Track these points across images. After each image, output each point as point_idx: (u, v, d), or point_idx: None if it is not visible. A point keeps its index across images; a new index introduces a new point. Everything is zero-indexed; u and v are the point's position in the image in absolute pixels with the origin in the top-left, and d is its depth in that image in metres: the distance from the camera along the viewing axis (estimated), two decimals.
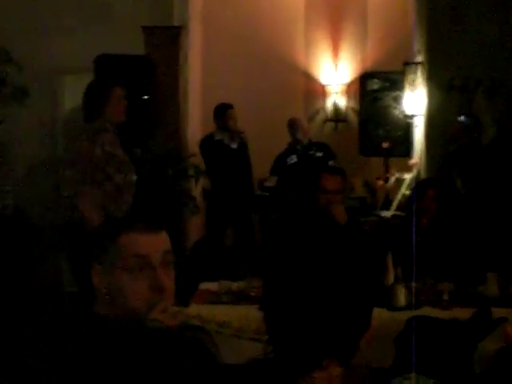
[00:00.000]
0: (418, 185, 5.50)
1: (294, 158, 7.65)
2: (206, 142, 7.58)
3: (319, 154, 7.60)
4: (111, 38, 7.66)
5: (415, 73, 7.33)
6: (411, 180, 7.15)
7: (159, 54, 7.50)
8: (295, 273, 1.62)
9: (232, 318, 3.93)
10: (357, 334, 1.62)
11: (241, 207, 7.49)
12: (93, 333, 1.95)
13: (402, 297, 4.08)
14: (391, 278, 4.23)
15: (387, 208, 7.33)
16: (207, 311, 3.96)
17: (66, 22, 7.95)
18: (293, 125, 7.83)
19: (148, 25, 7.65)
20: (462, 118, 6.50)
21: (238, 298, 4.22)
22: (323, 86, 9.89)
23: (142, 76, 7.11)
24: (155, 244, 2.08)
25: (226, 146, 7.51)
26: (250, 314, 3.86)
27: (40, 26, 7.92)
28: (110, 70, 6.84)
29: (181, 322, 2.05)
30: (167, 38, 7.71)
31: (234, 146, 7.58)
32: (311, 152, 7.62)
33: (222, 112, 7.60)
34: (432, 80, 7.07)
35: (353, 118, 9.50)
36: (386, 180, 7.74)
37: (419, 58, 7.39)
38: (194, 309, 3.97)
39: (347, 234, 4.15)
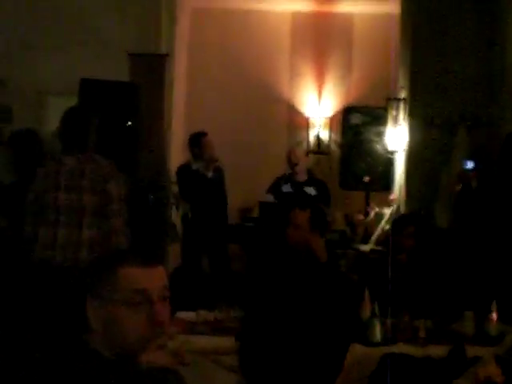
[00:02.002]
0: (396, 220, 5.50)
1: (288, 188, 7.57)
2: (183, 172, 7.57)
3: (314, 193, 7.51)
4: (97, 61, 7.70)
5: (397, 109, 7.40)
6: (391, 215, 7.19)
7: (144, 80, 7.51)
8: (274, 309, 1.64)
9: (208, 349, 3.91)
10: (330, 374, 1.64)
11: (215, 236, 7.47)
12: (80, 367, 1.94)
13: (377, 332, 4.06)
14: (367, 313, 4.22)
15: (366, 242, 7.35)
16: (183, 341, 3.93)
17: (52, 43, 7.99)
18: (289, 158, 7.70)
19: (134, 50, 7.68)
20: (467, 162, 6.39)
21: (215, 329, 4.19)
22: (307, 119, 9.96)
23: (126, 102, 7.12)
24: (154, 279, 2.05)
25: (202, 176, 7.48)
26: (226, 346, 3.84)
27: (26, 46, 7.95)
28: (93, 95, 6.85)
29: (175, 361, 2.02)
30: (153, 65, 7.74)
31: (210, 174, 7.56)
32: (307, 190, 7.52)
33: (197, 140, 7.59)
34: (414, 116, 7.13)
35: (335, 151, 9.57)
36: (366, 214, 7.78)
37: (402, 95, 7.46)
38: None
39: (327, 274, 4.17)
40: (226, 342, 3.91)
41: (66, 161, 4.78)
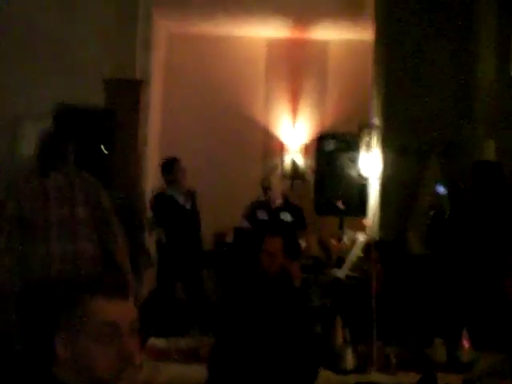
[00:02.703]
0: (364, 247, 5.54)
1: (264, 214, 7.54)
2: (159, 199, 7.55)
3: (289, 219, 7.49)
4: (72, 86, 7.70)
5: (370, 135, 7.46)
6: (364, 240, 7.22)
7: (120, 106, 7.52)
8: (243, 334, 1.65)
9: (180, 378, 3.89)
10: None
11: (189, 262, 7.47)
12: None
13: (349, 359, 4.07)
14: (339, 340, 4.23)
15: (340, 267, 7.38)
16: (154, 369, 3.91)
17: (28, 69, 7.99)
18: (264, 184, 7.68)
19: (110, 75, 7.69)
20: (439, 187, 6.47)
21: (187, 356, 4.16)
22: (282, 144, 10.01)
23: (102, 128, 7.12)
24: (124, 311, 2.04)
25: (176, 203, 7.48)
26: (198, 374, 3.82)
27: (2, 73, 7.94)
28: (68, 121, 6.85)
29: None
30: (128, 91, 7.74)
31: (188, 206, 7.56)
32: (282, 216, 7.48)
33: (170, 167, 7.60)
34: (387, 143, 7.19)
35: (309, 177, 9.62)
36: (340, 239, 7.81)
37: (375, 121, 7.52)
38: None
39: (299, 298, 4.19)
40: (199, 369, 3.89)
41: (52, 175, 4.67)
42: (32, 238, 4.57)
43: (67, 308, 2.04)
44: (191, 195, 7.65)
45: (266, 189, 7.58)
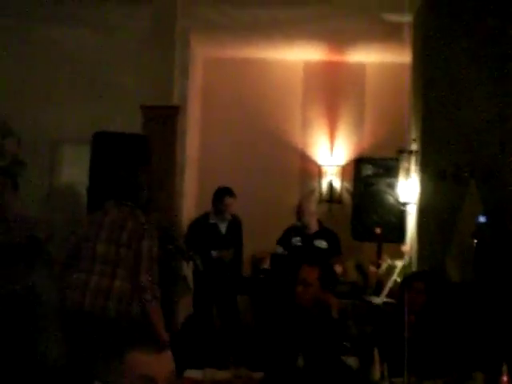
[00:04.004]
0: (407, 277, 5.47)
1: (298, 241, 7.39)
2: (200, 224, 7.57)
3: (324, 246, 7.34)
4: (110, 112, 7.78)
5: (409, 161, 7.39)
6: (402, 267, 7.15)
7: (157, 132, 7.55)
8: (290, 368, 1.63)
9: None
10: None
11: (226, 288, 7.46)
12: None
13: None
14: (377, 374, 4.18)
15: (378, 294, 7.30)
16: None
17: (65, 93, 8.10)
18: (299, 209, 7.55)
19: (148, 102, 7.73)
20: (480, 217, 6.36)
21: None
22: (319, 167, 9.97)
23: (139, 154, 7.15)
24: (161, 365, 2.03)
25: (219, 233, 7.52)
26: None
27: (40, 98, 8.06)
28: (106, 147, 6.93)
29: None
30: (165, 117, 7.77)
31: (227, 233, 7.65)
32: (316, 242, 7.33)
33: (220, 198, 7.62)
34: (425, 168, 7.12)
35: (347, 200, 9.56)
36: (378, 266, 7.73)
37: (413, 147, 7.46)
38: None
39: (340, 330, 4.14)
40: None
41: (110, 213, 4.98)
42: (79, 267, 4.89)
43: (106, 362, 2.02)
44: (236, 222, 7.67)
45: (301, 214, 7.44)
